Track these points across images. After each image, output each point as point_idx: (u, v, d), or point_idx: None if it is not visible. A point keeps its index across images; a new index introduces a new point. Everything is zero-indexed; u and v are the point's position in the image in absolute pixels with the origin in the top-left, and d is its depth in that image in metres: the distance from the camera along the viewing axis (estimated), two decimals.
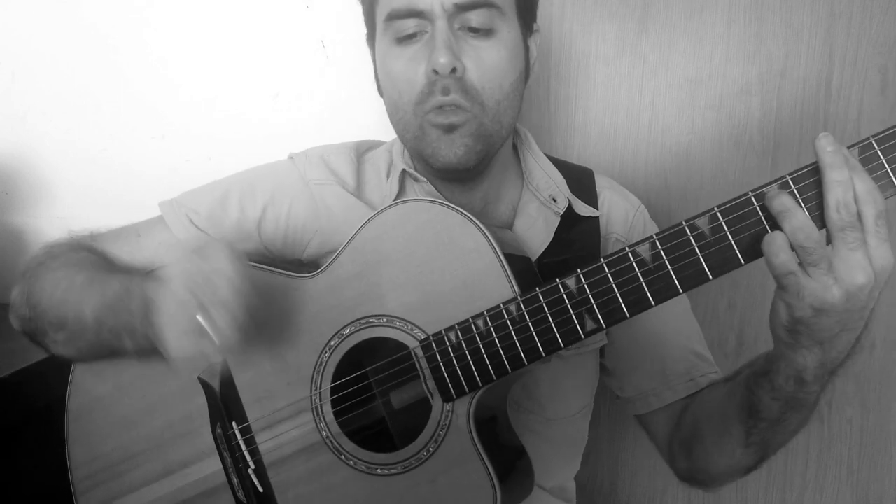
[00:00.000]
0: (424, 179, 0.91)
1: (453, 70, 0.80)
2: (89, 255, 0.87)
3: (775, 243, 0.64)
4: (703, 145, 1.26)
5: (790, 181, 0.65)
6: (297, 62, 1.28)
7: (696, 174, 1.27)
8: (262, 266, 0.84)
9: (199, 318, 0.66)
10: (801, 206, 0.63)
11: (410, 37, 0.82)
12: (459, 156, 0.83)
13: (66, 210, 1.34)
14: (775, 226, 0.65)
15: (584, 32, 1.25)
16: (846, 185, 0.62)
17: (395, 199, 0.91)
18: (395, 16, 0.82)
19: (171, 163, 1.31)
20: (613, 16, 1.24)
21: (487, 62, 0.82)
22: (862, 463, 1.31)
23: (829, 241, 0.64)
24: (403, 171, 0.92)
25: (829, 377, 0.71)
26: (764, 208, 0.65)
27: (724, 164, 1.25)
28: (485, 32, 0.82)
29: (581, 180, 0.97)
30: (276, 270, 0.84)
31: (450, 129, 0.82)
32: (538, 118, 1.30)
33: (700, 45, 1.22)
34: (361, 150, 0.99)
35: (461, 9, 0.80)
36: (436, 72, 0.80)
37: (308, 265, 0.91)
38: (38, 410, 0.98)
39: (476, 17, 0.81)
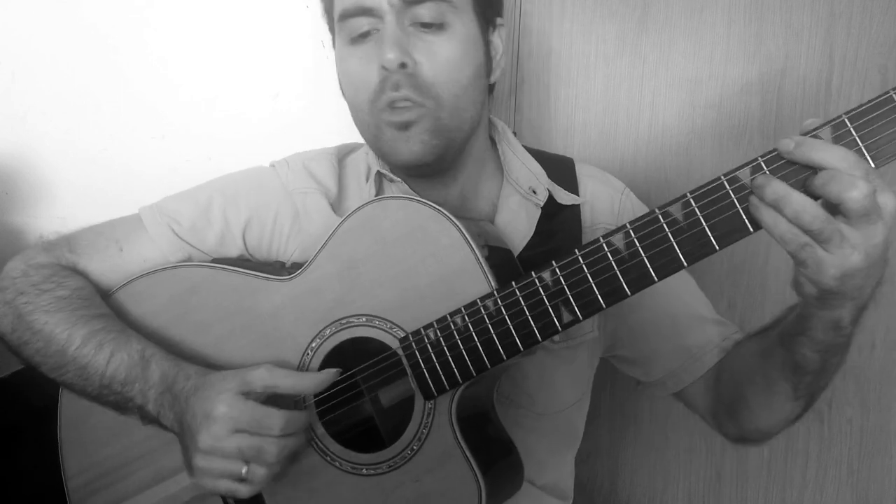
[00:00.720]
0: (399, 180, 0.91)
1: (403, 65, 0.79)
2: (76, 287, 0.86)
3: (779, 226, 0.62)
4: (703, 145, 1.26)
5: (762, 163, 0.63)
6: (297, 62, 1.28)
7: (696, 174, 1.27)
8: (240, 270, 0.84)
9: (243, 471, 0.74)
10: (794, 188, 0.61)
11: (363, 35, 0.82)
12: (416, 152, 0.83)
13: (66, 210, 1.34)
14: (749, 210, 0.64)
15: (584, 32, 1.25)
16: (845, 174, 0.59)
17: None
18: (346, 15, 0.82)
19: (171, 163, 1.31)
20: (613, 16, 1.24)
21: (440, 56, 0.81)
22: (862, 463, 1.31)
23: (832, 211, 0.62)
24: (378, 172, 0.92)
25: (862, 312, 0.70)
26: (738, 191, 0.64)
27: (724, 163, 1.24)
28: (437, 27, 0.81)
29: (561, 169, 0.97)
30: (256, 273, 0.84)
31: (404, 126, 0.82)
32: (538, 118, 1.30)
33: (700, 45, 1.22)
34: (342, 155, 0.99)
35: (409, 4, 0.80)
36: (385, 68, 0.80)
37: (289, 267, 0.91)
38: (37, 410, 0.98)
39: (426, 12, 0.81)
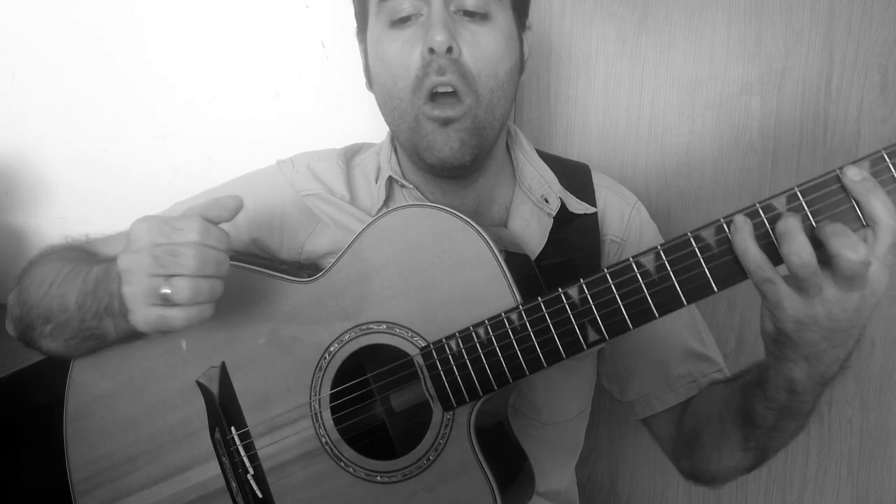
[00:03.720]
0: (411, 186, 0.90)
1: (449, 50, 0.78)
2: (80, 252, 0.87)
3: (749, 253, 0.63)
4: (703, 145, 1.26)
5: (798, 193, 0.63)
6: (297, 62, 1.28)
7: (696, 174, 1.27)
8: (259, 269, 0.84)
9: (164, 290, 0.67)
10: (803, 231, 0.61)
11: (405, 19, 0.81)
12: (455, 150, 0.81)
13: (66, 210, 1.34)
14: None
15: (584, 32, 1.25)
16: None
17: (382, 206, 0.90)
18: None
19: (171, 163, 1.31)
20: (613, 16, 1.24)
21: (483, 46, 0.80)
22: (862, 463, 1.31)
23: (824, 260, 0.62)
24: (390, 177, 0.91)
25: (823, 388, 0.70)
26: (772, 220, 0.63)
27: (724, 164, 1.25)
28: (481, 17, 0.81)
29: (575, 177, 0.96)
30: (275, 274, 0.83)
31: (445, 122, 0.80)
32: (538, 118, 1.30)
33: (700, 45, 1.22)
34: (349, 156, 0.98)
35: None
36: (432, 50, 0.78)
37: (308, 267, 0.91)
38: (38, 410, 0.98)
39: (472, 1, 0.80)
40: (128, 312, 0.69)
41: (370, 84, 0.89)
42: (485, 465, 0.75)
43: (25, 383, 1.04)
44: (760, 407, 0.73)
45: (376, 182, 0.93)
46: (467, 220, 0.75)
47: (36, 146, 1.31)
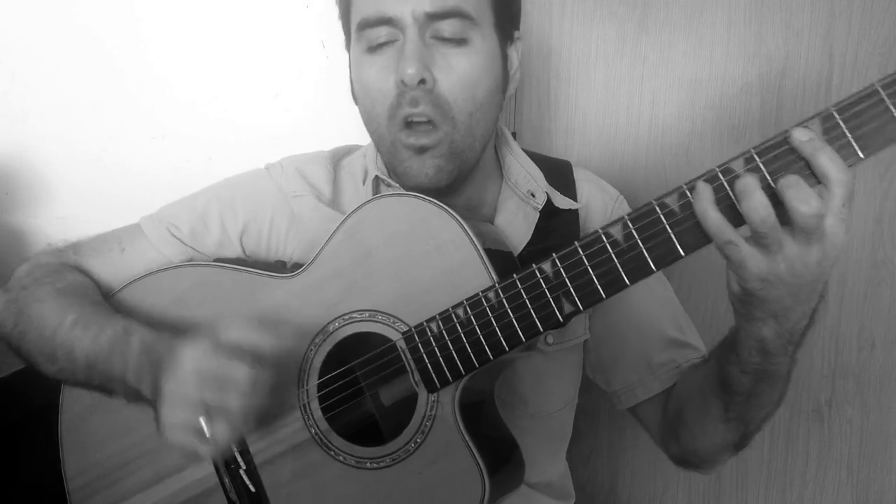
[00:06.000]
0: (397, 185, 0.90)
1: (422, 81, 0.78)
2: (76, 280, 0.87)
3: (709, 217, 0.64)
4: (703, 145, 1.26)
5: (755, 155, 0.64)
6: (297, 62, 1.28)
7: (695, 174, 1.26)
8: (242, 268, 0.85)
9: (202, 420, 0.70)
10: (761, 189, 0.62)
11: (382, 45, 0.81)
12: (430, 176, 0.82)
13: (66, 210, 1.34)
14: None
15: (584, 32, 1.25)
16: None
17: None
18: (365, 24, 0.81)
19: (171, 163, 1.31)
20: (613, 16, 1.24)
21: (459, 71, 0.80)
22: (862, 463, 1.31)
23: (784, 221, 0.63)
24: (377, 177, 0.92)
25: (794, 348, 0.71)
26: (731, 182, 0.65)
27: None
28: (457, 42, 0.80)
29: (559, 173, 0.97)
30: (259, 272, 0.84)
31: (420, 150, 0.81)
32: (538, 118, 1.30)
33: (700, 45, 1.23)
34: (337, 158, 0.99)
35: (433, 18, 0.79)
36: (404, 83, 0.78)
37: (292, 267, 0.91)
38: (37, 410, 0.98)
39: (448, 27, 0.79)
40: (161, 427, 0.73)
41: (355, 100, 0.90)
42: (471, 443, 0.76)
43: (25, 383, 1.04)
44: (735, 371, 0.74)
45: (363, 183, 0.94)
46: (440, 204, 0.77)
47: (36, 146, 1.32)
